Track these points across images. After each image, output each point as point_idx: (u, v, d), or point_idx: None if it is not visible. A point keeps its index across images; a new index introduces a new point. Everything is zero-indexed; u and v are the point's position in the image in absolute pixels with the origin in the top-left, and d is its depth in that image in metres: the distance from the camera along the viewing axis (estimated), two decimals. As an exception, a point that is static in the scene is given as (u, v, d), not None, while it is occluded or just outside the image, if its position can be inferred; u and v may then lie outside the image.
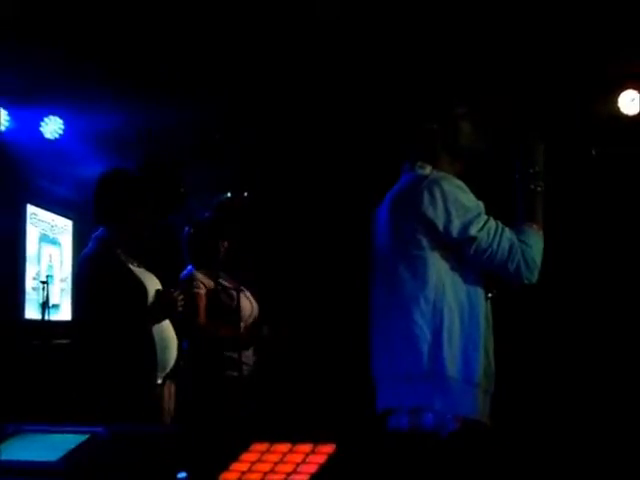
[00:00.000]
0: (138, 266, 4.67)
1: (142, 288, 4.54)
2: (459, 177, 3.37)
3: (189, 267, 5.78)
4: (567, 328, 7.22)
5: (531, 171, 3.37)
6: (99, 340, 4.45)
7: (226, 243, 5.84)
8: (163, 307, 4.56)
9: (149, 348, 4.48)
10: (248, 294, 5.89)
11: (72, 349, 6.39)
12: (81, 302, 4.67)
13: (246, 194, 5.92)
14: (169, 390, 4.69)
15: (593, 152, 7.21)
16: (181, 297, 4.62)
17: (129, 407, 4.30)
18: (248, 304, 5.83)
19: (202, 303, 5.61)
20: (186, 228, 5.88)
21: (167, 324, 4.63)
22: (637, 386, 6.63)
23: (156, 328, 4.53)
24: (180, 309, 4.61)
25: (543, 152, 3.41)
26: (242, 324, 5.66)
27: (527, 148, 3.40)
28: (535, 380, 6.85)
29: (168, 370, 4.61)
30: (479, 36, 6.53)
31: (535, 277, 3.30)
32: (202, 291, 5.61)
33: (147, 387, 4.49)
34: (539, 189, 3.37)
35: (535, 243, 3.29)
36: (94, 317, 4.47)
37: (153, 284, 4.64)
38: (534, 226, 3.32)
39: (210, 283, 5.67)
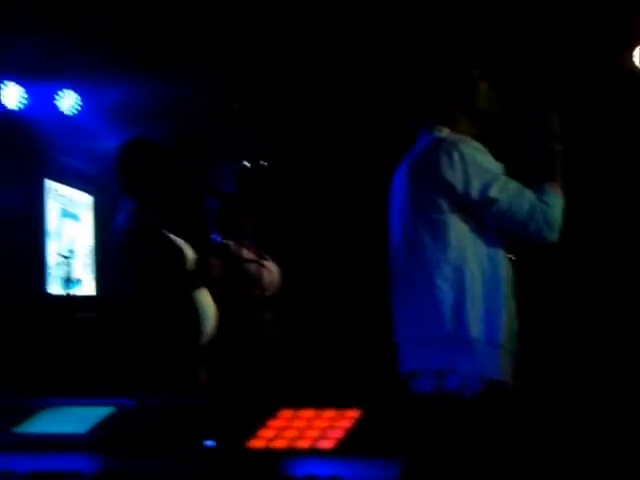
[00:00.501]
0: (173, 234, 4.66)
1: (182, 254, 4.55)
2: (476, 139, 3.36)
3: (215, 237, 5.79)
4: (590, 287, 7.20)
5: (549, 132, 3.36)
6: (146, 308, 4.45)
7: (251, 213, 5.84)
8: (201, 274, 4.57)
9: (194, 314, 4.50)
10: (270, 264, 5.89)
11: (111, 319, 6.41)
12: (124, 272, 4.62)
13: (265, 163, 5.91)
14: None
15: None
16: (217, 264, 4.64)
17: (176, 373, 4.33)
18: (267, 274, 5.84)
19: (215, 272, 5.62)
20: (211, 200, 5.88)
21: (205, 291, 4.63)
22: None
23: (196, 295, 4.54)
24: (217, 276, 4.63)
25: (560, 112, 3.40)
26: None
27: (545, 109, 3.39)
28: (558, 340, 6.85)
29: (209, 335, 4.63)
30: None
31: (556, 237, 3.29)
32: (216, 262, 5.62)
33: (193, 353, 4.52)
34: (557, 149, 3.36)
35: (555, 202, 3.28)
36: (140, 285, 4.46)
37: (189, 251, 4.64)
38: (554, 185, 3.31)
39: (232, 252, 5.67)
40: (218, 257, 4.87)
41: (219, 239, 5.76)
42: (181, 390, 4.17)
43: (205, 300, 4.60)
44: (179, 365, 4.40)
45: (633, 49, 7.43)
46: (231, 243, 5.67)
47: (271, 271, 5.89)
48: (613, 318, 7.05)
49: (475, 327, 3.18)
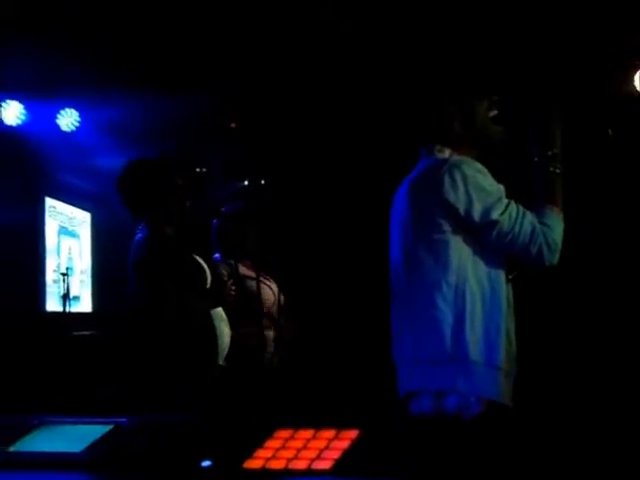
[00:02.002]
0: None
1: (203, 271, 4.55)
2: (478, 161, 3.36)
3: (216, 256, 5.81)
4: (588, 309, 7.20)
5: (550, 154, 3.36)
6: (164, 322, 4.41)
7: (251, 231, 5.86)
8: (217, 292, 4.57)
9: (212, 332, 4.50)
10: (271, 283, 5.91)
11: (116, 335, 6.39)
12: (144, 286, 4.55)
13: (263, 181, 5.93)
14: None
15: (610, 132, 7.17)
16: (233, 285, 4.64)
17: (195, 390, 4.32)
18: (270, 292, 5.85)
19: (230, 291, 5.63)
20: (214, 219, 5.90)
21: (220, 310, 4.62)
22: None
23: (213, 313, 4.54)
24: (231, 296, 4.63)
25: (561, 134, 3.40)
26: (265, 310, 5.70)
27: (545, 131, 3.39)
28: (557, 361, 6.84)
29: (225, 354, 4.62)
30: (494, 19, 6.52)
31: (556, 259, 3.29)
32: (226, 279, 5.63)
33: (210, 371, 4.52)
34: (558, 171, 3.36)
35: (556, 225, 3.28)
36: (159, 298, 4.42)
37: (207, 269, 4.64)
38: (554, 208, 3.31)
39: (232, 271, 5.68)
40: (231, 277, 4.88)
41: (219, 258, 5.78)
42: (193, 408, 4.14)
43: (221, 319, 4.60)
44: (193, 384, 4.38)
45: (634, 72, 7.44)
46: (231, 261, 5.68)
47: (272, 289, 5.91)
48: (613, 338, 7.04)
49: (474, 349, 3.17)
